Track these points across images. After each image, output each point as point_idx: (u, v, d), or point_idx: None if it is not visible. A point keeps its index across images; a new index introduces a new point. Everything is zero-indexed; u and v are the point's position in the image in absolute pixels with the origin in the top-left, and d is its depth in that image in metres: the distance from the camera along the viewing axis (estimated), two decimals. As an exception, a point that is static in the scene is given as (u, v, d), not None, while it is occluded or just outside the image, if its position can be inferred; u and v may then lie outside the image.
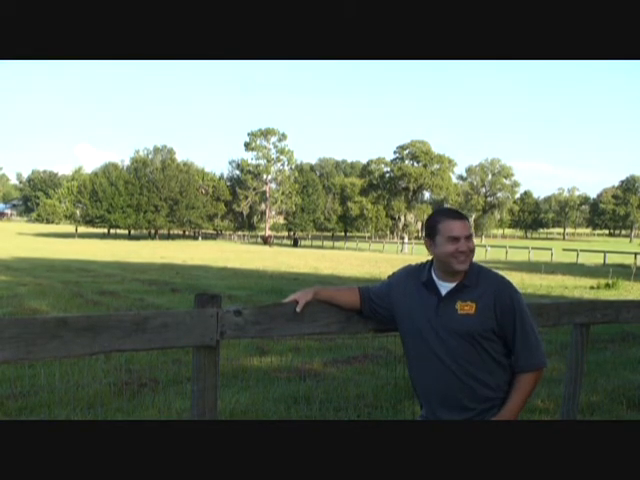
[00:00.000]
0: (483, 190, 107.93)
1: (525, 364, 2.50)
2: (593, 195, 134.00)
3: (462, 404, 2.50)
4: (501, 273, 2.64)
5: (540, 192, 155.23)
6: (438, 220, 2.52)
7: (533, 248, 47.04)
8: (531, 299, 2.69)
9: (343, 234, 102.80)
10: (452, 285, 2.52)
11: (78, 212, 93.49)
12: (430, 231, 2.54)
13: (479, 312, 2.46)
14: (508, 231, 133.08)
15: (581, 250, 41.96)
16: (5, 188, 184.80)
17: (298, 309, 2.60)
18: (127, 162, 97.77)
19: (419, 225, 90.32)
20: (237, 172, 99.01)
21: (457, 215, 2.52)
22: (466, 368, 2.47)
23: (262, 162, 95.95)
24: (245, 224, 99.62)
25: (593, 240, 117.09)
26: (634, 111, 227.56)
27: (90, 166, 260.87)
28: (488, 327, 2.46)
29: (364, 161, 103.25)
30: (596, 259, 36.25)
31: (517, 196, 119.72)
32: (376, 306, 2.69)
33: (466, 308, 2.47)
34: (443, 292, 2.52)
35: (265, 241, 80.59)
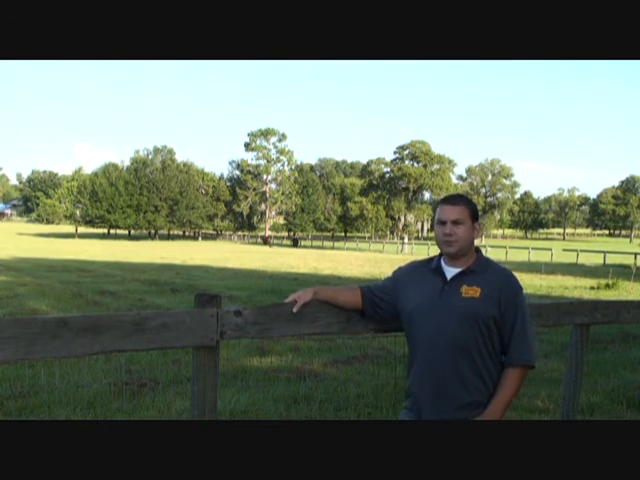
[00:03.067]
0: (483, 190, 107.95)
1: (517, 357, 2.49)
2: (593, 195, 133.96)
3: (453, 393, 2.47)
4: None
5: (540, 192, 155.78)
6: (437, 206, 2.62)
7: (533, 248, 46.99)
8: (531, 299, 2.69)
9: (343, 234, 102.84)
10: (459, 270, 2.55)
11: (78, 212, 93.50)
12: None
13: (483, 297, 2.47)
14: (508, 231, 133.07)
15: (581, 250, 41.92)
16: (5, 188, 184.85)
17: (294, 309, 2.60)
18: (127, 162, 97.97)
19: (419, 225, 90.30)
20: (237, 172, 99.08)
21: (450, 200, 2.59)
22: (463, 354, 2.46)
23: (262, 162, 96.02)
24: (245, 224, 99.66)
25: (593, 240, 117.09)
26: (634, 111, 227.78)
27: (90, 166, 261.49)
28: (490, 314, 2.46)
29: (364, 161, 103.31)
30: (596, 259, 36.24)
31: (517, 196, 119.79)
32: (379, 301, 2.69)
33: (471, 292, 2.48)
34: (449, 276, 2.55)
35: (265, 241, 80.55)
